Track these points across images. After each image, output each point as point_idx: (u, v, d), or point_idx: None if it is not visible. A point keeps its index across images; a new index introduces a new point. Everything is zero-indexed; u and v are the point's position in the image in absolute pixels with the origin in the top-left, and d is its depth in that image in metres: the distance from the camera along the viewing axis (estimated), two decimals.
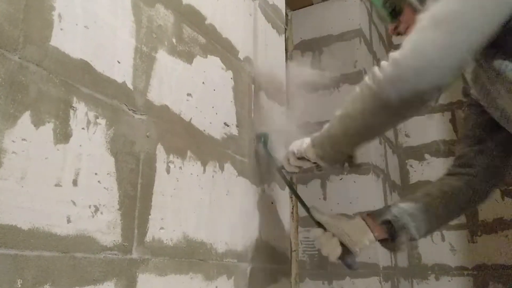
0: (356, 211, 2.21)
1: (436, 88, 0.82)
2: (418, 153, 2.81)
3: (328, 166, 1.07)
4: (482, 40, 0.81)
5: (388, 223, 1.08)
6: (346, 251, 1.08)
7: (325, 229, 1.12)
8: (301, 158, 1.10)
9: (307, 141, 1.09)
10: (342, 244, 1.08)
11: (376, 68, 0.87)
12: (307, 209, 1.18)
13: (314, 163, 1.08)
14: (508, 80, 0.88)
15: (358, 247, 1.08)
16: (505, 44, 0.86)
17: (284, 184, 1.41)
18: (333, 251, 1.08)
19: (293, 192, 1.31)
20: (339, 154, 1.03)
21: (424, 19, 0.83)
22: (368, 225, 1.09)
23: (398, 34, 1.10)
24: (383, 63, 0.86)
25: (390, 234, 1.09)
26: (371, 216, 1.11)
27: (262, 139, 1.30)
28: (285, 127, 1.33)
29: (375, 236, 1.09)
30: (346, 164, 1.08)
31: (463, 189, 1.14)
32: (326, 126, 1.03)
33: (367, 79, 0.90)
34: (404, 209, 1.11)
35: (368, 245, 1.10)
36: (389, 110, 0.88)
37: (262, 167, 1.31)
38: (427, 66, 0.80)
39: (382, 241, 1.13)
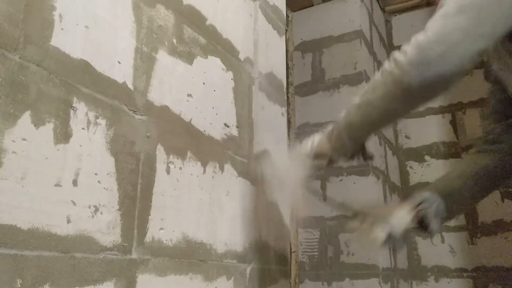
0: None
1: (459, 72, 0.84)
2: (418, 154, 2.81)
3: (344, 158, 1.06)
4: (506, 27, 0.82)
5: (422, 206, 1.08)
6: (390, 236, 1.06)
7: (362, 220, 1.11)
8: (316, 157, 1.08)
9: (316, 138, 1.08)
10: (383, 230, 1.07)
11: (397, 53, 0.88)
12: (340, 204, 1.14)
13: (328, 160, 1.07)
14: None
15: (399, 230, 1.06)
16: None
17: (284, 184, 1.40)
18: (375, 238, 1.06)
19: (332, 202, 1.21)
20: (357, 144, 1.04)
21: (449, 4, 0.84)
22: (406, 208, 1.08)
23: (428, 4, 1.11)
24: (405, 47, 0.87)
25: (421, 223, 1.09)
26: (406, 200, 1.11)
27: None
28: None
29: (412, 220, 1.08)
30: (361, 157, 1.09)
31: (496, 166, 1.14)
32: (341, 118, 1.03)
33: (387, 65, 0.92)
34: (437, 191, 1.11)
35: (408, 229, 1.08)
36: (411, 94, 0.88)
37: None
38: (451, 51, 0.81)
39: (420, 224, 1.11)
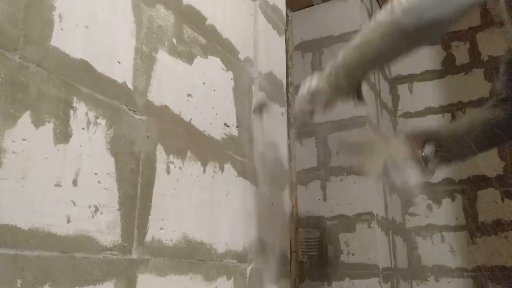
0: (356, 212, 2.21)
1: (456, 15, 0.90)
2: None
3: (340, 98, 1.11)
4: None
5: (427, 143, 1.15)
6: (391, 167, 1.13)
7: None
8: (312, 98, 1.13)
9: (314, 80, 1.13)
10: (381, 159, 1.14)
11: None
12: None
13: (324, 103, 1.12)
14: None
15: (398, 161, 1.13)
16: None
17: (284, 183, 1.41)
18: (375, 166, 1.15)
19: None
20: (353, 84, 1.08)
21: None
22: (408, 144, 1.15)
23: None
24: None
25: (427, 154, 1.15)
26: (412, 135, 1.18)
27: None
28: None
29: (412, 155, 1.14)
30: (356, 99, 1.12)
31: (505, 117, 1.17)
32: (339, 58, 1.08)
33: (389, 6, 0.98)
34: (444, 131, 1.20)
35: (405, 160, 1.15)
36: (408, 36, 0.95)
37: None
38: None
39: (419, 159, 1.17)
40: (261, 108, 1.32)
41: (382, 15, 0.98)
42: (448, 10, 0.88)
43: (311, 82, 1.12)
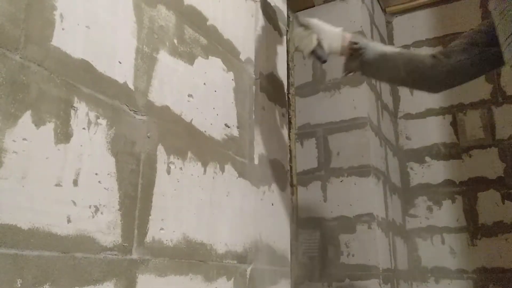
0: (356, 214, 2.21)
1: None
2: (418, 155, 2.80)
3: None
4: None
5: (355, 44, 1.33)
6: (320, 47, 1.34)
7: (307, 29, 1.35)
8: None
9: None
10: (318, 41, 1.33)
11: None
12: (295, 15, 1.44)
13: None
14: None
15: (329, 50, 1.35)
16: None
17: (284, 184, 1.41)
18: (309, 44, 1.33)
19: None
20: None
21: None
22: (342, 39, 1.35)
23: None
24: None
25: (351, 55, 1.35)
26: (351, 35, 1.37)
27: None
28: None
29: (342, 49, 1.35)
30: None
31: (428, 68, 1.27)
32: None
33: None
34: (376, 47, 1.36)
35: (336, 51, 1.36)
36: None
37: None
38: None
39: (346, 60, 1.38)
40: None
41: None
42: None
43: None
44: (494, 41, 1.14)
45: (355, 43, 1.33)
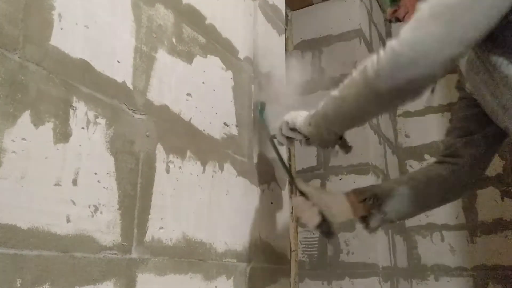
0: None
1: (430, 78, 0.84)
2: (417, 153, 2.81)
3: (320, 146, 1.09)
4: (480, 34, 0.81)
5: (367, 201, 1.16)
6: (325, 221, 1.15)
7: (307, 199, 1.18)
8: (293, 129, 1.13)
9: (302, 114, 1.11)
10: (321, 214, 1.15)
11: (374, 57, 0.88)
12: (291, 178, 1.28)
13: (305, 137, 1.11)
14: (503, 75, 0.89)
15: (337, 221, 1.16)
16: (503, 39, 0.87)
17: (284, 184, 1.41)
18: (312, 219, 1.15)
19: (281, 161, 1.30)
20: (332, 135, 1.05)
21: (423, 9, 0.84)
22: (349, 202, 1.17)
23: (397, 20, 1.13)
24: (381, 52, 0.87)
25: (369, 212, 1.17)
26: (354, 192, 1.19)
27: (259, 106, 1.32)
28: (283, 100, 1.35)
29: (354, 213, 1.18)
30: (338, 147, 1.10)
31: (449, 177, 1.17)
32: (321, 105, 1.04)
33: (361, 67, 0.92)
34: (385, 189, 1.18)
35: (345, 221, 1.20)
36: (381, 97, 0.89)
37: (256, 134, 1.33)
38: (423, 57, 0.81)
39: (362, 218, 1.19)
40: (258, 105, 1.33)
41: (357, 74, 0.93)
42: (422, 70, 0.82)
43: (296, 119, 1.11)
44: (486, 120, 1.08)
45: (365, 200, 1.16)
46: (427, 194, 1.18)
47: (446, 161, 1.19)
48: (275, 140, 1.25)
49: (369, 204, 1.15)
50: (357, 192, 1.18)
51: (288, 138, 1.17)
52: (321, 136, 1.05)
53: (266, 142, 1.31)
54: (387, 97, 0.88)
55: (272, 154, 1.31)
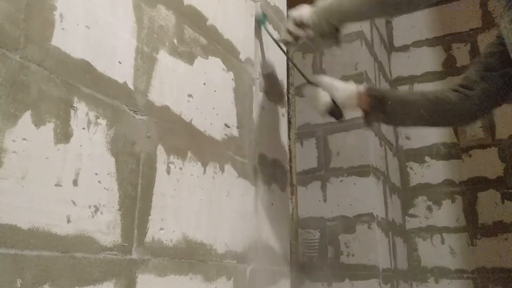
0: (356, 213, 2.21)
1: None
2: (418, 155, 2.81)
3: (319, 36, 1.23)
4: None
5: (374, 97, 1.28)
6: (334, 105, 1.29)
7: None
8: (299, 26, 1.25)
9: (307, 8, 1.24)
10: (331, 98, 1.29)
11: None
12: (302, 73, 1.41)
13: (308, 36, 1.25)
14: None
15: (344, 106, 1.29)
16: None
17: (284, 185, 1.41)
18: (322, 102, 1.29)
19: (291, 61, 1.47)
20: (330, 27, 1.20)
21: None
22: (358, 92, 1.29)
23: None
24: None
25: (372, 108, 1.29)
26: (365, 87, 1.32)
27: (261, 17, 1.41)
28: None
29: (358, 103, 1.29)
30: (334, 40, 1.24)
31: (457, 104, 1.23)
32: (326, 1, 1.21)
33: None
34: (394, 93, 1.32)
35: (352, 106, 1.31)
36: (387, 4, 1.08)
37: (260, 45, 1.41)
38: None
39: (363, 111, 1.31)
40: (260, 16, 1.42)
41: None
42: None
43: (301, 11, 1.24)
44: (509, 60, 1.11)
45: (373, 94, 1.29)
46: (433, 111, 1.25)
47: (459, 90, 1.23)
48: (281, 43, 1.38)
49: (374, 100, 1.27)
50: (369, 87, 1.32)
51: (291, 35, 1.28)
52: (321, 27, 1.20)
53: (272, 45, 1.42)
54: (390, 4, 1.05)
55: (273, 155, 1.31)
